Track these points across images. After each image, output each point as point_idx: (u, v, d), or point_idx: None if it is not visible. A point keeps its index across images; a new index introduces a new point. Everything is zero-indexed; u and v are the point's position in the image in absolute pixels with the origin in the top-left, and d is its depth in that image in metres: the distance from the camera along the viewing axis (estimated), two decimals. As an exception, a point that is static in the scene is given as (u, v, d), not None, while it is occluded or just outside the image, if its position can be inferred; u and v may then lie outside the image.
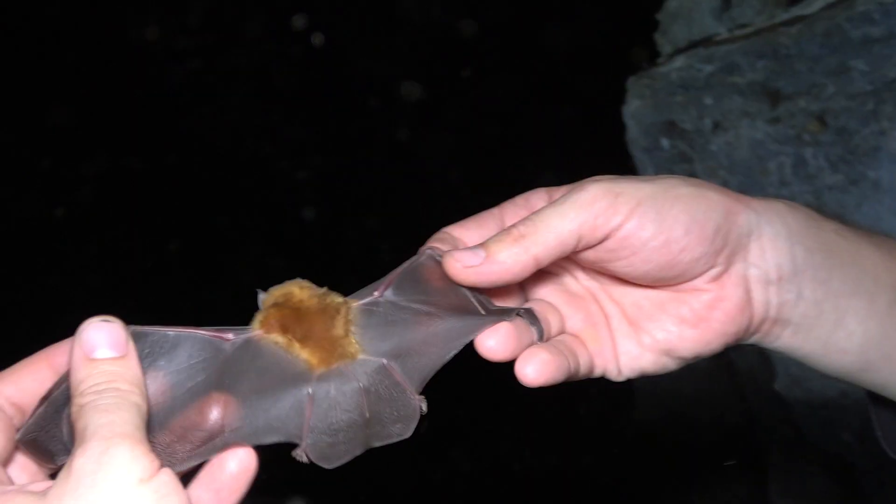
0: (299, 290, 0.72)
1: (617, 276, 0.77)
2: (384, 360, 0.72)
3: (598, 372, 0.80)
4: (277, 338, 0.70)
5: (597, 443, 2.13)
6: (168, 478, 0.57)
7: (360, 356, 0.72)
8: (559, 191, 0.78)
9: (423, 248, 0.77)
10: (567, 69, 2.54)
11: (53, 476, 0.60)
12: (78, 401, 0.60)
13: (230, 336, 0.70)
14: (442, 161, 2.50)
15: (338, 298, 0.73)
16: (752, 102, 2.25)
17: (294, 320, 0.71)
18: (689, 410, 2.05)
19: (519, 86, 2.54)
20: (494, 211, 0.80)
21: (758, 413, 2.19)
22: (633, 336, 0.79)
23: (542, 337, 0.77)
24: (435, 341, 0.74)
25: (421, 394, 0.73)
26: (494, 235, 0.74)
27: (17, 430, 0.65)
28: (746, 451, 2.08)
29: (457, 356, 0.74)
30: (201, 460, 0.68)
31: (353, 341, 0.72)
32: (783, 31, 2.19)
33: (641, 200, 0.72)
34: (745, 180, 2.24)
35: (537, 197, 0.80)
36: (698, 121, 2.34)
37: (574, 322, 0.80)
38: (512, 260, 0.72)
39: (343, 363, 0.71)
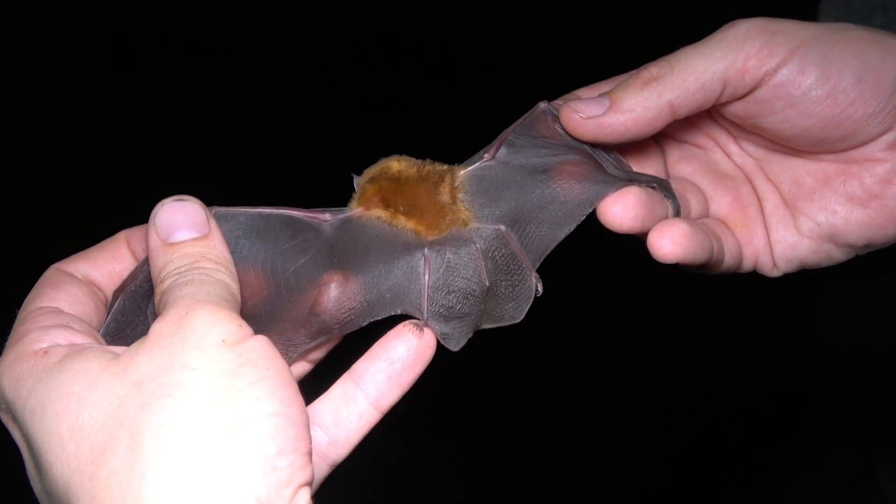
0: (396, 163, 0.65)
1: (770, 138, 0.66)
2: (501, 227, 0.64)
3: (747, 265, 0.69)
4: (379, 212, 0.64)
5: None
6: (259, 343, 0.50)
7: (473, 223, 0.65)
8: None
9: (539, 103, 0.68)
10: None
11: None
12: (159, 287, 0.54)
13: (327, 216, 0.64)
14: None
15: (441, 166, 0.66)
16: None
17: (394, 192, 0.64)
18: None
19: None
20: (633, 73, 0.68)
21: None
22: (790, 221, 0.68)
23: (678, 213, 0.67)
24: (553, 207, 0.66)
25: (537, 272, 0.66)
26: (621, 81, 0.64)
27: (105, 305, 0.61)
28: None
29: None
30: (322, 342, 0.63)
31: (463, 208, 0.65)
32: None
33: (803, 41, 0.61)
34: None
35: None
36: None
37: (720, 205, 0.70)
38: (641, 107, 0.62)
39: (455, 230, 0.64)
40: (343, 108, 2.34)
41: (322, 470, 0.61)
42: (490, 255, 0.64)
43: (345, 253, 0.63)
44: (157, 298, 0.54)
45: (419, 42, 2.43)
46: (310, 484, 0.48)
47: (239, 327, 0.50)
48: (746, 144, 0.71)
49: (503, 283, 0.65)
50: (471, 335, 0.65)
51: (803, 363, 1.93)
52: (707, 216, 0.70)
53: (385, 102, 2.34)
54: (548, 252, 0.66)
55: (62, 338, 0.54)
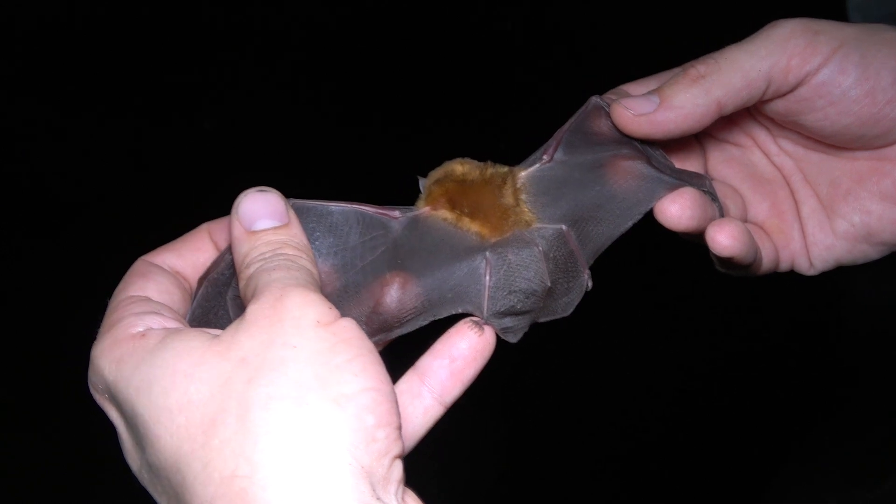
0: (460, 166, 0.67)
1: (809, 136, 0.69)
2: (563, 226, 0.66)
3: (784, 266, 0.72)
4: (445, 213, 0.66)
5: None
6: (349, 324, 0.53)
7: (536, 224, 0.67)
8: None
9: (591, 98, 0.70)
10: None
11: None
12: (245, 273, 0.56)
13: (396, 213, 0.66)
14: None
15: (502, 168, 0.68)
16: None
17: (460, 194, 0.66)
18: None
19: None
20: (677, 70, 0.70)
21: None
22: (826, 223, 0.71)
23: (723, 216, 0.69)
24: (611, 206, 0.68)
25: (589, 268, 0.68)
26: (669, 78, 0.66)
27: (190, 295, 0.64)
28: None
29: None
30: (383, 338, 0.65)
31: (526, 209, 0.67)
32: None
33: (844, 41, 0.64)
34: None
35: None
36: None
37: (758, 211, 0.73)
38: (691, 104, 0.64)
39: (517, 230, 0.66)
40: (393, 109, 2.37)
41: None
42: (551, 255, 0.66)
43: (409, 252, 0.65)
44: (241, 283, 0.56)
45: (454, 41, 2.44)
46: (402, 456, 0.51)
47: (329, 309, 0.53)
48: (785, 143, 0.73)
49: (562, 280, 0.67)
50: (527, 329, 0.67)
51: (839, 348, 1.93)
52: (745, 221, 0.73)
53: (434, 103, 2.36)
54: (602, 249, 0.68)
55: (155, 322, 0.56)
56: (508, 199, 0.67)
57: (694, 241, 0.70)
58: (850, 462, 1.80)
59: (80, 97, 2.38)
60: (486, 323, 0.65)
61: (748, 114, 0.73)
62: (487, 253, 0.64)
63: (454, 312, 0.65)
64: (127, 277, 0.62)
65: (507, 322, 0.65)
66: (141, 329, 0.55)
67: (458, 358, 0.63)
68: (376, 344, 0.63)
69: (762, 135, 0.74)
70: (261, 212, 0.58)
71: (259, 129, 2.33)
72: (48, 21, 2.47)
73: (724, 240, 0.66)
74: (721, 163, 0.74)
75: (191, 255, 0.64)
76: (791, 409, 1.90)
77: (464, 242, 0.65)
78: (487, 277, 0.64)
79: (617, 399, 1.94)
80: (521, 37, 2.51)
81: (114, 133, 2.34)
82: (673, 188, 0.67)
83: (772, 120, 0.71)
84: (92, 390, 0.57)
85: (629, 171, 0.68)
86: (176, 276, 0.63)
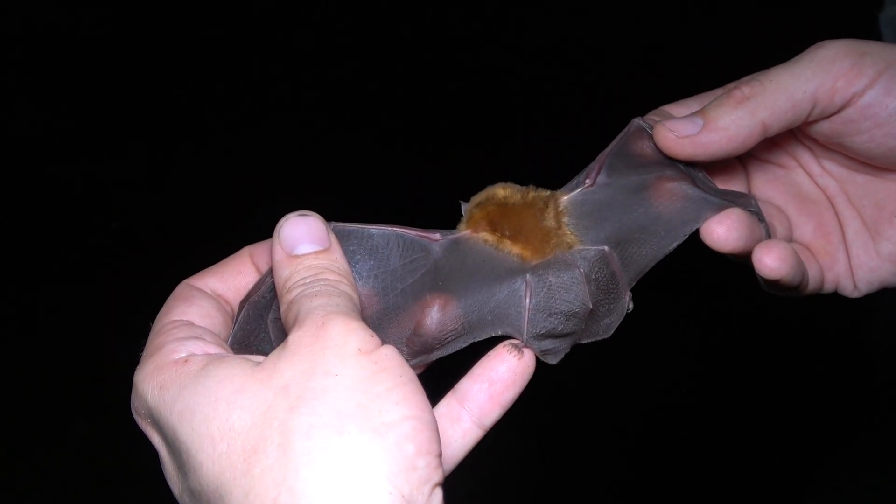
0: (502, 190, 0.67)
1: (854, 157, 0.68)
2: (605, 248, 0.66)
3: (829, 287, 0.71)
4: (487, 236, 0.66)
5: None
6: (390, 352, 0.53)
7: (578, 246, 0.66)
8: None
9: (634, 120, 0.70)
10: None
11: None
12: (286, 298, 0.56)
13: (437, 236, 0.66)
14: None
15: (544, 192, 0.68)
16: None
17: (501, 216, 0.66)
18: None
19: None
20: (719, 91, 0.70)
21: None
22: (870, 245, 0.70)
23: (769, 237, 0.69)
24: (656, 228, 0.67)
25: (630, 290, 0.68)
26: (713, 100, 0.66)
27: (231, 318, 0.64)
28: None
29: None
30: (423, 360, 0.65)
31: (568, 232, 0.67)
32: None
33: (891, 63, 0.63)
34: None
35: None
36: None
37: (804, 232, 0.72)
38: (735, 126, 0.64)
39: (559, 252, 0.66)
40: (420, 133, 2.38)
41: None
42: (593, 277, 0.65)
43: (450, 274, 0.64)
44: (283, 308, 0.56)
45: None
46: (442, 484, 0.51)
47: (371, 337, 0.53)
48: (828, 164, 0.73)
49: (604, 302, 0.66)
50: (568, 350, 0.66)
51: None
52: (790, 241, 0.72)
53: (469, 126, 2.37)
54: (646, 271, 0.68)
55: (198, 348, 0.56)
56: (550, 222, 0.66)
57: (741, 262, 0.69)
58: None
59: (114, 122, 2.42)
60: (526, 346, 0.64)
61: (791, 135, 0.72)
62: (528, 275, 0.64)
63: (494, 334, 0.64)
64: (170, 301, 0.62)
65: (547, 344, 0.65)
66: (184, 355, 0.55)
67: (497, 381, 0.63)
68: (416, 366, 0.64)
69: (806, 155, 0.73)
70: (302, 236, 0.58)
71: (294, 151, 2.36)
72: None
73: (771, 262, 0.65)
74: (764, 183, 0.74)
75: (232, 278, 0.64)
76: (819, 424, 1.89)
77: (504, 265, 0.65)
78: (528, 300, 0.64)
79: (641, 416, 1.93)
80: (541, 58, 2.51)
81: (149, 156, 2.38)
82: (719, 209, 0.67)
83: (816, 141, 0.70)
84: (134, 414, 0.58)
85: (674, 193, 0.67)
86: (218, 299, 0.63)
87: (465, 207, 0.68)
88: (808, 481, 1.83)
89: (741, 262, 0.69)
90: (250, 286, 0.64)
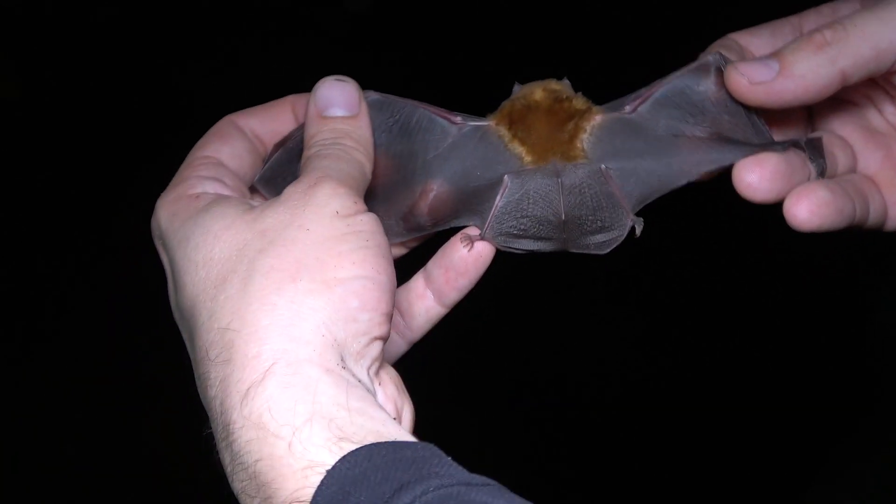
0: (542, 91, 0.69)
1: None
2: (602, 166, 0.67)
3: (891, 225, 0.69)
4: (503, 130, 0.69)
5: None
6: (366, 218, 0.58)
7: (580, 160, 0.68)
8: (876, 3, 0.64)
9: (705, 53, 0.67)
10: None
11: None
12: (307, 153, 0.62)
13: (458, 119, 0.69)
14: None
15: (582, 105, 0.69)
16: None
17: (521, 116, 0.69)
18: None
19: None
20: (793, 19, 0.68)
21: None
22: None
23: (823, 175, 0.66)
24: (671, 160, 0.67)
25: (638, 214, 0.68)
26: (790, 43, 0.62)
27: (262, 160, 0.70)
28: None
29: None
30: (416, 236, 0.70)
31: (578, 146, 0.68)
32: None
33: None
34: None
35: (848, 7, 0.66)
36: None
37: (870, 162, 0.69)
38: (813, 73, 0.60)
39: (555, 161, 0.67)
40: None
41: (401, 347, 0.70)
42: (577, 190, 0.66)
43: (457, 160, 0.69)
44: (302, 160, 0.62)
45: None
46: (384, 339, 0.57)
47: (354, 203, 0.58)
48: None
49: (589, 217, 0.67)
50: (549, 250, 0.69)
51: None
52: (855, 171, 0.69)
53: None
54: (651, 200, 0.68)
55: (213, 188, 0.63)
56: (565, 135, 0.68)
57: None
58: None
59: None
60: (483, 238, 0.68)
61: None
62: (508, 176, 0.67)
63: (470, 223, 0.68)
64: (208, 135, 0.68)
65: (523, 244, 0.68)
66: (198, 191, 0.62)
67: (451, 268, 0.68)
68: (415, 239, 0.71)
69: (880, 95, 0.70)
70: (335, 99, 0.64)
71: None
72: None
73: (801, 212, 0.63)
74: (830, 113, 0.71)
75: (271, 122, 0.69)
76: (817, 416, 1.88)
77: (506, 162, 0.68)
78: (499, 198, 0.67)
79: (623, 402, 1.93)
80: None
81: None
82: (755, 153, 0.64)
83: (894, 85, 0.67)
84: (153, 234, 0.63)
85: (714, 141, 0.66)
86: (253, 140, 0.69)
87: (516, 89, 0.70)
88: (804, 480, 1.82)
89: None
90: (286, 132, 0.69)
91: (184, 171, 0.65)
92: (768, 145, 0.65)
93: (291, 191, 0.58)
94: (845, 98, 0.70)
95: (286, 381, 0.51)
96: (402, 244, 0.71)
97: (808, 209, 0.63)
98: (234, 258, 0.56)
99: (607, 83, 0.74)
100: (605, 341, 1.98)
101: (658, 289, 2.06)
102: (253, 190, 0.69)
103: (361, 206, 0.58)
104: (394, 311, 0.60)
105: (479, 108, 0.71)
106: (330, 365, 0.52)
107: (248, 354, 0.52)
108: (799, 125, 0.70)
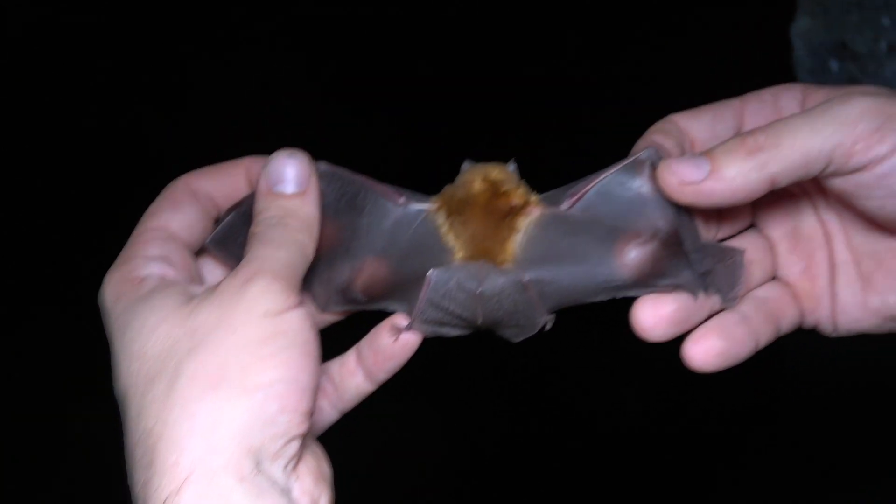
0: (481, 181, 0.69)
1: (860, 214, 0.66)
2: (525, 278, 0.68)
3: (807, 325, 0.70)
4: (441, 219, 0.70)
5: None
6: (295, 315, 0.60)
7: (507, 265, 0.69)
8: (816, 93, 0.67)
9: (642, 142, 0.68)
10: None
11: None
12: (253, 228, 0.64)
13: (402, 200, 0.70)
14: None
15: (520, 199, 0.69)
16: (935, 25, 2.11)
17: (458, 208, 0.70)
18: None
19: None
20: (734, 102, 0.69)
21: None
22: (859, 295, 0.68)
23: (731, 303, 0.68)
24: (596, 276, 0.68)
25: (553, 313, 0.70)
26: (724, 143, 0.62)
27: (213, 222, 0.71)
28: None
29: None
30: (352, 309, 0.72)
31: (510, 250, 0.69)
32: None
33: None
34: (921, 109, 2.11)
35: (789, 95, 0.68)
36: (873, 43, 2.21)
37: (791, 271, 0.70)
38: (742, 177, 0.60)
39: (483, 264, 0.69)
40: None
41: (332, 416, 0.72)
42: (496, 298, 0.68)
43: (396, 241, 0.70)
44: (248, 236, 0.63)
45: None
46: (303, 436, 0.58)
47: (285, 300, 0.59)
48: (834, 202, 0.70)
49: (504, 319, 0.69)
50: (465, 333, 0.71)
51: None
52: (774, 277, 0.71)
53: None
54: (567, 306, 0.69)
55: (158, 269, 0.64)
56: (501, 233, 0.69)
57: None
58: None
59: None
60: (410, 329, 0.70)
61: None
62: (432, 272, 0.68)
63: (400, 310, 0.71)
64: (161, 200, 0.69)
65: (443, 330, 0.70)
66: (144, 273, 0.64)
67: (380, 353, 0.70)
68: (346, 311, 0.72)
69: (813, 188, 0.71)
70: (286, 175, 0.65)
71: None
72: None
73: (696, 358, 0.66)
74: (768, 204, 0.71)
75: (225, 186, 0.70)
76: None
77: (439, 253, 0.70)
78: (423, 293, 0.68)
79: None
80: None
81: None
82: (661, 289, 0.66)
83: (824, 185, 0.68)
84: (100, 309, 0.64)
85: (637, 258, 0.67)
86: (206, 202, 0.70)
87: (464, 167, 0.71)
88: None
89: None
90: (239, 196, 0.70)
91: (133, 245, 0.66)
92: (676, 279, 0.66)
93: (227, 285, 0.60)
94: (784, 188, 0.70)
95: (201, 491, 0.54)
96: (341, 312, 0.73)
97: (703, 358, 0.66)
98: (164, 357, 0.58)
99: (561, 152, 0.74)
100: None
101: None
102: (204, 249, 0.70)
103: (293, 299, 0.60)
104: (323, 388, 0.67)
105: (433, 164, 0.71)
106: (244, 472, 0.55)
107: (168, 462, 0.55)
108: (738, 215, 0.72)
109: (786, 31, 2.31)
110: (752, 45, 2.34)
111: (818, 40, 2.28)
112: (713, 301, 0.67)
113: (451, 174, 0.71)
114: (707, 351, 0.66)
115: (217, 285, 0.61)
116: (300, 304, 0.61)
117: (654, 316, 0.66)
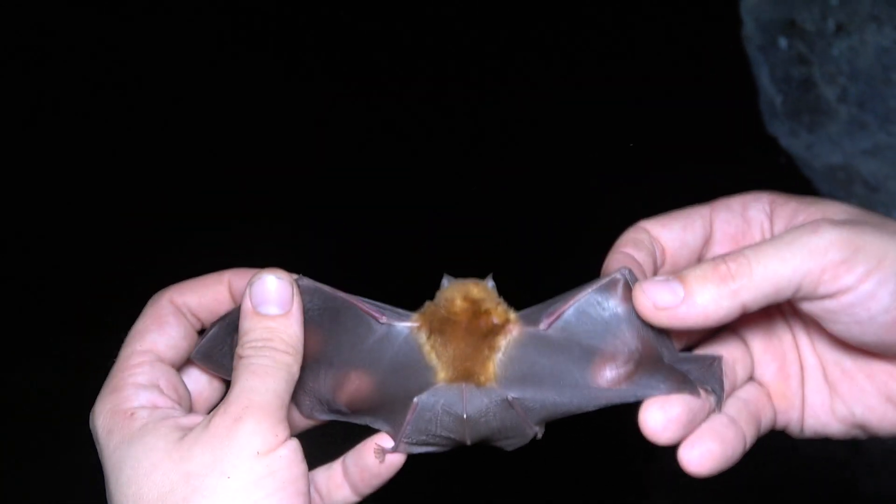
0: (462, 300, 0.70)
1: (827, 333, 0.68)
2: (509, 397, 0.69)
3: (779, 426, 0.73)
4: (423, 338, 0.70)
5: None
6: (285, 451, 0.62)
7: (490, 385, 0.69)
8: (786, 205, 0.69)
9: (614, 254, 0.70)
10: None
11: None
12: (239, 351, 0.65)
13: (384, 319, 0.70)
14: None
15: (499, 318, 0.70)
16: (882, 6, 2.14)
17: (440, 327, 0.70)
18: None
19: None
20: (704, 211, 0.72)
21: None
22: (827, 402, 0.71)
23: (721, 406, 0.69)
24: (581, 391, 0.69)
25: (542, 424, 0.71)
26: (697, 267, 0.64)
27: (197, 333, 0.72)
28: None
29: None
30: (341, 420, 0.73)
31: (491, 369, 0.69)
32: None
33: (883, 262, 0.61)
34: (867, 89, 2.16)
35: (757, 208, 0.71)
36: (821, 21, 2.24)
37: (766, 372, 0.72)
38: (715, 304, 0.63)
39: (466, 385, 0.69)
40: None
41: None
42: (484, 418, 0.69)
43: (379, 358, 0.70)
44: (236, 355, 0.65)
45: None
46: None
47: (275, 437, 0.62)
48: (804, 313, 0.68)
49: (493, 435, 0.70)
50: (449, 449, 0.72)
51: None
52: (752, 378, 0.73)
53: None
54: (554, 419, 0.71)
55: (148, 399, 0.66)
56: (481, 354, 0.69)
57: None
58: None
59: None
60: (395, 451, 0.71)
61: None
62: (418, 399, 0.69)
63: (384, 430, 0.71)
64: (145, 319, 0.71)
65: (429, 449, 0.72)
66: (134, 405, 0.65)
67: (366, 470, 0.72)
68: (341, 418, 0.73)
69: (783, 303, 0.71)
70: (269, 296, 0.66)
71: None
72: None
73: (692, 462, 0.67)
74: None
75: (207, 300, 0.72)
76: None
77: (422, 372, 0.70)
78: (409, 417, 0.69)
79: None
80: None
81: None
82: (663, 396, 0.67)
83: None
84: (92, 435, 0.66)
85: (614, 378, 0.69)
86: (190, 317, 0.71)
87: (444, 284, 0.71)
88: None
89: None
90: (222, 310, 0.71)
91: (121, 371, 0.67)
92: (676, 384, 0.68)
93: (218, 423, 0.61)
94: None
95: None
96: (325, 420, 0.74)
97: (699, 462, 0.67)
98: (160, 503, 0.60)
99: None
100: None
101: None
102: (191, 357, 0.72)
103: (283, 434, 0.62)
104: (312, 499, 0.69)
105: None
106: None
107: None
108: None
109: (736, 8, 2.32)
110: (702, 21, 2.35)
111: (767, 17, 2.29)
112: (712, 403, 0.69)
113: (431, 286, 0.72)
114: (703, 455, 0.67)
115: (209, 420, 0.62)
116: (288, 437, 0.63)
117: (663, 419, 0.66)
